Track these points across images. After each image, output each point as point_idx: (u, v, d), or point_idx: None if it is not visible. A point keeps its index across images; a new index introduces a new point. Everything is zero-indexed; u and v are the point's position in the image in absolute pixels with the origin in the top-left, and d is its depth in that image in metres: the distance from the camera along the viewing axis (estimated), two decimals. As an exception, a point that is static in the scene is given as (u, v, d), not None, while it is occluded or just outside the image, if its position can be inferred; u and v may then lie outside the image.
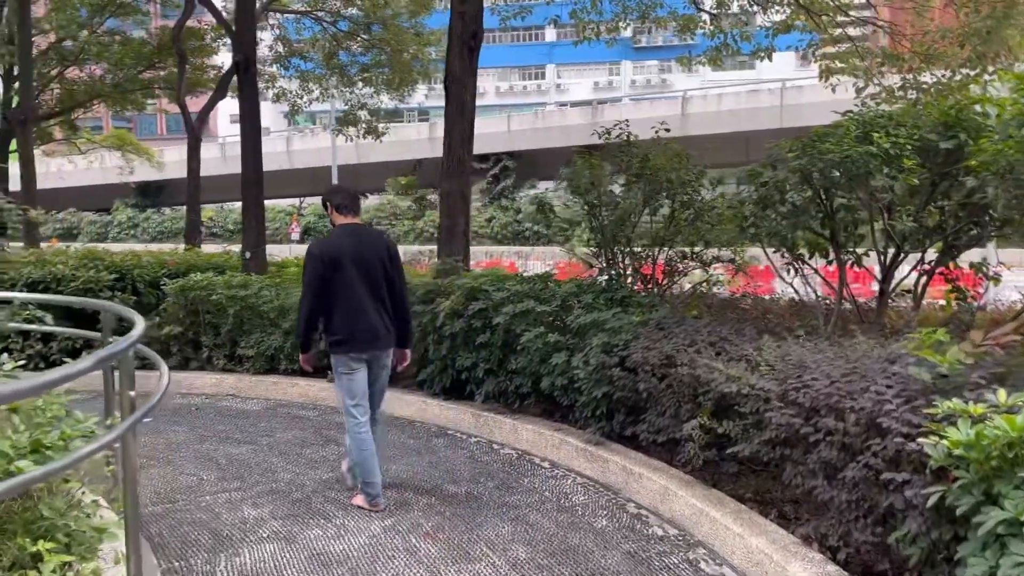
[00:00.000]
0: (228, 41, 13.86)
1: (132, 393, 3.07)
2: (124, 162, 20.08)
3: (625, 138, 6.54)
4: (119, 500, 3.83)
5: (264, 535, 4.31)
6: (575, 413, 5.65)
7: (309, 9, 14.95)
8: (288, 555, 4.06)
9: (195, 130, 13.80)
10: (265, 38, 16.17)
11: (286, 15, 15.46)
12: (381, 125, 15.98)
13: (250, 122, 8.95)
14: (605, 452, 5.21)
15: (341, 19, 15.13)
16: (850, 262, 5.50)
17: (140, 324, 3.63)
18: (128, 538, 3.12)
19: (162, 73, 16.24)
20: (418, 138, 39.77)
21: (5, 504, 2.96)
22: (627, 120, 6.67)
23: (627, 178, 6.30)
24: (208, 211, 44.31)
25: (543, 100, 61.55)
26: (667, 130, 6.44)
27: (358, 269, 4.66)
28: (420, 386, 6.94)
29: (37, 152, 18.84)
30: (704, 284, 6.72)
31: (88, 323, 6.69)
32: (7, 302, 6.69)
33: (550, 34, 63.42)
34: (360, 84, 15.92)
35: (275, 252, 35.94)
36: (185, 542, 4.23)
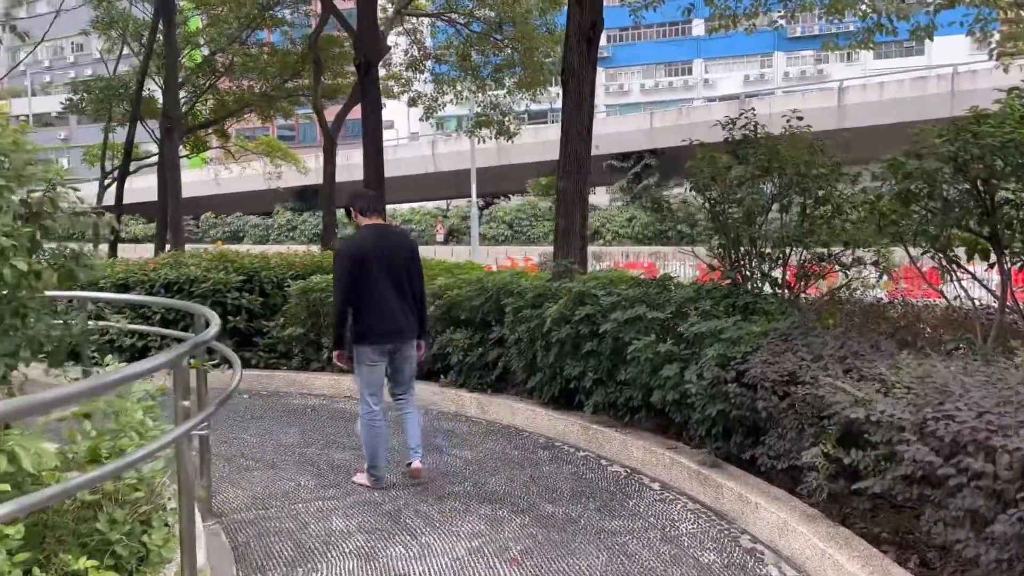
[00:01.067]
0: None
1: (186, 403, 2.93)
2: (274, 168, 21.05)
3: (752, 129, 5.95)
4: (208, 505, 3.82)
5: (346, 550, 4.14)
6: (690, 431, 5.18)
7: (442, 11, 15.05)
8: (366, 575, 3.86)
9: (331, 135, 14.16)
10: (401, 43, 16.47)
11: (420, 18, 15.63)
12: (513, 126, 15.84)
13: (371, 124, 8.99)
14: (720, 476, 4.70)
15: (474, 20, 15.13)
16: (1018, 265, 4.70)
17: (212, 327, 3.54)
18: (183, 556, 3.00)
19: (307, 81, 16.87)
20: (555, 138, 39.55)
21: (60, 515, 2.90)
22: (752, 109, 6.06)
23: (753, 172, 5.72)
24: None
25: (689, 96, 59.85)
26: (799, 119, 5.79)
27: (384, 267, 4.95)
28: (530, 394, 6.64)
29: (211, 161, 20.14)
30: (844, 288, 6.01)
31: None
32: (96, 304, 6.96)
33: (697, 28, 61.75)
34: (492, 85, 15.86)
35: (422, 252, 36.99)
36: (268, 553, 4.13)
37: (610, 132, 40.60)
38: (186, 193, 43.50)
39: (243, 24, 15.05)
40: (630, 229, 37.19)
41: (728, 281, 5.85)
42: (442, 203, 47.72)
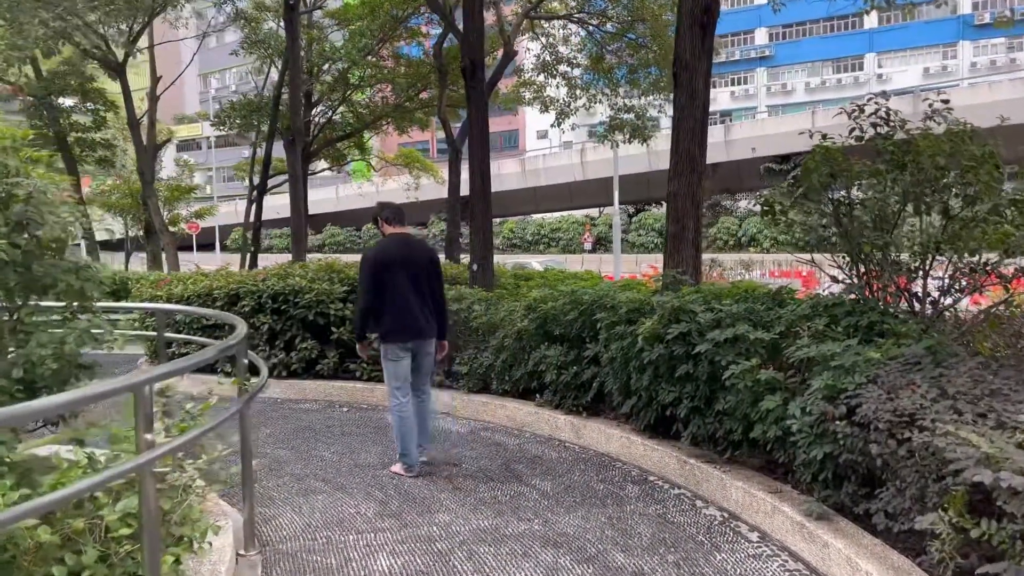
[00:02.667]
0: (499, 54, 13.95)
1: (148, 436, 2.59)
2: (413, 179, 21.33)
3: (883, 118, 5.04)
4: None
5: (379, 595, 3.73)
6: (796, 473, 4.38)
7: (572, 12, 14.57)
8: (388, 627, 3.42)
9: (456, 146, 14.02)
10: (533, 47, 16.13)
11: (551, 22, 15.23)
12: (648, 129, 15.06)
13: (478, 129, 8.65)
14: (827, 531, 3.90)
15: (607, 20, 14.55)
16: None
17: (217, 344, 3.24)
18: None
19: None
20: (712, 141, 37.92)
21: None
22: (882, 96, 5.13)
23: (883, 168, 4.82)
24: (509, 223, 46.49)
25: (860, 93, 55.78)
26: (950, 109, 4.82)
27: (406, 272, 5.43)
28: (627, 418, 6.00)
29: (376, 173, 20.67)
30: (1004, 306, 4.96)
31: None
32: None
33: (870, 20, 57.63)
34: (627, 87, 15.19)
35: (568, 261, 36.53)
36: (297, 592, 3.79)
37: (768, 133, 38.54)
38: (345, 206, 45.57)
39: (377, 36, 15.26)
40: (789, 235, 35.06)
41: (853, 296, 4.97)
42: (593, 211, 47.16)
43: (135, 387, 2.54)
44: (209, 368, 8.81)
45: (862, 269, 5.15)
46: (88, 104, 16.35)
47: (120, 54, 15.46)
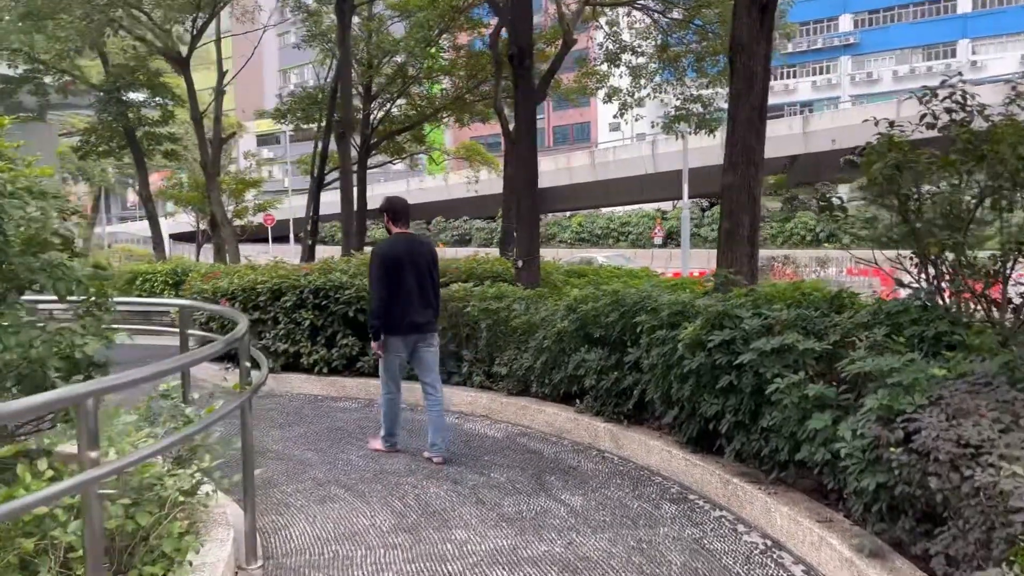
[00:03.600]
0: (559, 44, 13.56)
1: (92, 454, 2.35)
2: (473, 172, 21.08)
3: (959, 102, 4.48)
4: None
5: (376, 621, 3.45)
6: (848, 500, 3.92)
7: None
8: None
9: (510, 137, 13.67)
10: (597, 36, 15.65)
11: (616, 9, 14.73)
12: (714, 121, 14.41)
13: (524, 117, 8.28)
14: (879, 571, 3.43)
15: (672, 7, 13.97)
16: None
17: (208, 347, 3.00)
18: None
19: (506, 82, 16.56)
20: (790, 133, 36.66)
21: None
22: (957, 78, 4.56)
23: (957, 158, 4.28)
24: (578, 216, 45.97)
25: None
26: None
27: (411, 269, 5.68)
28: (670, 429, 5.59)
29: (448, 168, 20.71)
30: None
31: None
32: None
33: (963, 4, 54.74)
34: (693, 75, 14.57)
35: (636, 256, 35.80)
36: (288, 614, 3.54)
37: (851, 124, 36.90)
38: (415, 199, 45.79)
39: (438, 26, 15.04)
40: (871, 231, 33.51)
41: (920, 302, 4.45)
42: (666, 204, 46.20)
43: (76, 399, 2.31)
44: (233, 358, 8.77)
45: (932, 272, 4.60)
46: (156, 99, 16.66)
47: (184, 49, 15.74)
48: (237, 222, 19.34)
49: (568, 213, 48.83)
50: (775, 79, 58.35)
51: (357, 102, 17.28)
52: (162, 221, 35.49)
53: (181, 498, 3.33)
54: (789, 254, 28.05)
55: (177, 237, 39.47)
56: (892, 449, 3.38)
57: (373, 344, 5.85)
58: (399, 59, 16.02)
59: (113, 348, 4.64)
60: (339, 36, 12.40)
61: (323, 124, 16.11)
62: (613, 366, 6.01)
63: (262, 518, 4.69)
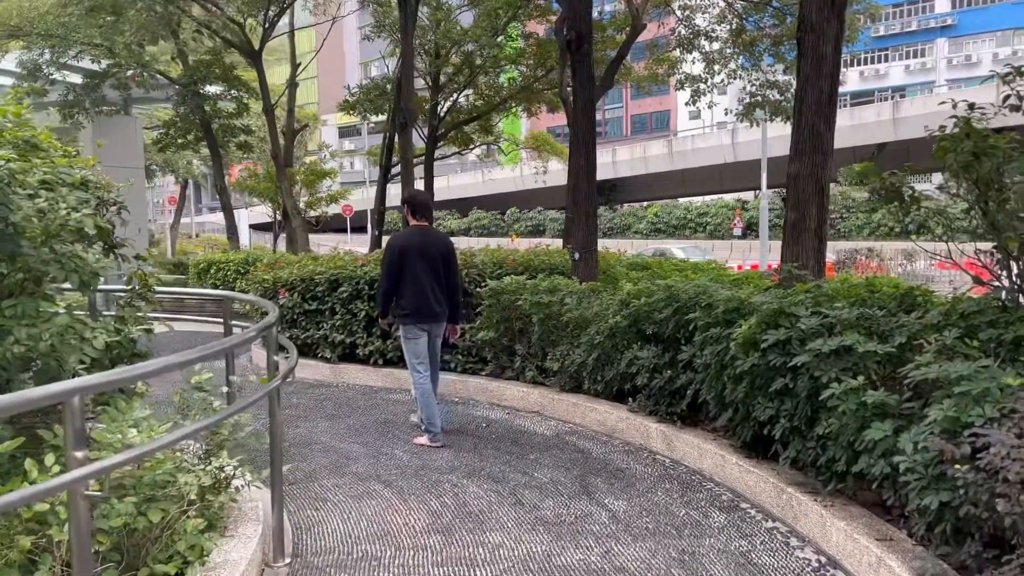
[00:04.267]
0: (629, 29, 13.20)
1: (79, 453, 2.27)
2: (541, 163, 20.82)
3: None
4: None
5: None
6: (909, 518, 3.59)
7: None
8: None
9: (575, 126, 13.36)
10: (669, 21, 15.19)
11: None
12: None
13: (582, 107, 8.02)
14: (941, 600, 3.11)
15: (747, -12, 13.42)
16: None
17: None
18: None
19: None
20: (878, 119, 35.15)
21: None
22: None
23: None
24: (654, 207, 45.19)
25: (1062, 62, 49.72)
26: None
27: (423, 260, 5.98)
28: (725, 431, 5.30)
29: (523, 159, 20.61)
30: None
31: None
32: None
33: (1075, -20, 51.22)
34: (771, 61, 13.97)
35: (715, 247, 34.94)
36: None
37: (947, 109, 35.09)
38: (491, 190, 45.87)
39: (507, 15, 14.85)
40: (967, 222, 31.76)
41: (997, 302, 4.04)
42: (747, 194, 44.91)
43: (61, 396, 2.24)
44: (310, 352, 8.82)
45: (1015, 269, 4.18)
46: (232, 92, 17.03)
47: (256, 42, 16.06)
48: (312, 213, 19.62)
49: (644, 203, 48.07)
50: (863, 63, 56.02)
51: (424, 93, 17.32)
52: (243, 212, 36.60)
53: (196, 494, 3.26)
54: (874, 246, 26.78)
55: (257, 227, 40.59)
56: (957, 466, 3.05)
57: (382, 321, 6.38)
58: (468, 48, 15.90)
59: (151, 339, 4.66)
60: (402, 24, 12.36)
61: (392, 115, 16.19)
62: (666, 364, 5.74)
63: (298, 513, 4.64)
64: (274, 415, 3.91)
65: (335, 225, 43.98)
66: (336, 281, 8.33)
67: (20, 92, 14.88)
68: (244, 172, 22.65)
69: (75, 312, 3.15)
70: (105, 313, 4.61)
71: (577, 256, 8.04)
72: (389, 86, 16.18)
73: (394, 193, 21.05)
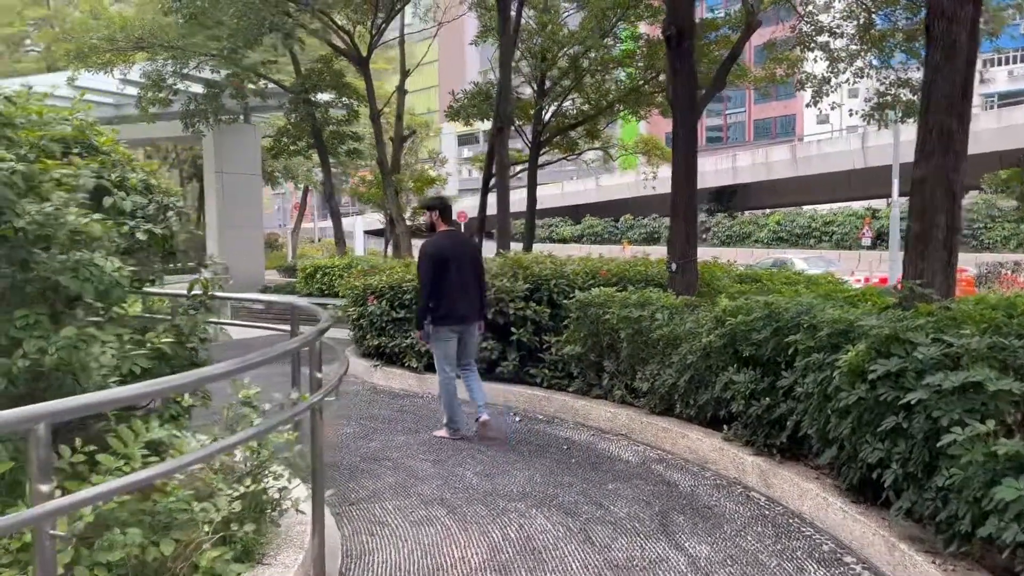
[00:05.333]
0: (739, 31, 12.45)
1: (44, 487, 2.04)
2: (651, 169, 20.11)
3: None
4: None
5: None
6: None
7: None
8: None
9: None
10: (787, 18, 14.27)
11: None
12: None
13: (683, 109, 7.45)
14: None
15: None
16: None
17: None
18: None
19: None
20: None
21: None
22: None
23: None
24: (776, 215, 43.29)
25: None
26: None
27: (456, 264, 6.19)
28: (830, 470, 4.67)
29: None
30: None
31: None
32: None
33: None
34: (901, 56, 12.86)
35: (841, 258, 33.02)
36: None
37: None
38: (605, 196, 45.26)
39: (616, 15, 14.37)
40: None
41: None
42: (879, 202, 42.29)
43: (21, 422, 2.00)
44: (398, 361, 8.65)
45: None
46: (343, 99, 17.32)
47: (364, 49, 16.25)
48: (421, 219, 19.69)
49: (766, 211, 46.16)
50: (1013, 62, 51.80)
51: (529, 97, 17.05)
52: (358, 218, 37.55)
53: (219, 522, 3.02)
54: (1022, 260, 24.51)
55: (371, 233, 41.53)
56: (1115, 546, 2.41)
57: (417, 334, 6.52)
58: (575, 50, 15.49)
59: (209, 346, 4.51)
60: (500, 27, 12.11)
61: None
62: (765, 390, 5.14)
63: (353, 538, 4.38)
64: (316, 435, 3.64)
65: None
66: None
67: (146, 102, 15.65)
68: (357, 179, 23.09)
69: (90, 322, 2.98)
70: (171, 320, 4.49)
71: (674, 267, 7.49)
72: (494, 91, 15.99)
73: (514, 199, 20.84)
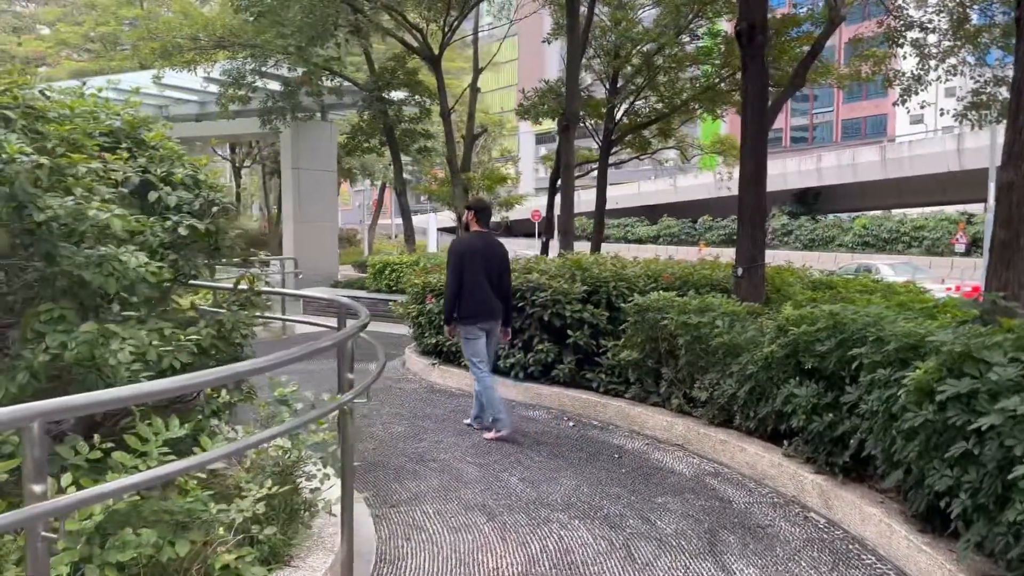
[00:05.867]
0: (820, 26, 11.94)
1: (37, 487, 2.00)
2: (726, 168, 19.50)
3: None
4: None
5: None
6: None
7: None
8: None
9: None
10: (874, 12, 13.60)
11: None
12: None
13: (753, 107, 7.11)
14: None
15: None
16: None
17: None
18: None
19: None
20: None
21: None
22: None
23: None
24: (862, 219, 41.67)
25: None
26: None
27: (483, 263, 6.31)
28: (896, 494, 4.36)
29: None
30: None
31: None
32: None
33: None
34: (999, 53, 12.10)
35: (932, 264, 31.53)
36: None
37: None
38: (683, 197, 44.32)
39: (692, 11, 13.97)
40: None
41: None
42: (977, 206, 40.21)
43: (14, 421, 1.97)
44: (456, 361, 8.58)
45: None
46: (415, 97, 17.40)
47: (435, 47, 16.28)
48: (464, 218, 19.64)
49: (852, 214, 44.47)
50: None
51: (601, 95, 16.76)
52: (432, 216, 37.83)
53: (239, 523, 2.97)
54: None
55: (444, 230, 41.81)
56: None
57: (446, 329, 6.60)
58: (649, 47, 15.12)
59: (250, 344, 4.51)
60: (568, 24, 11.90)
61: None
62: (828, 405, 4.84)
63: (389, 541, 4.31)
64: (345, 436, 3.57)
65: (526, 230, 44.46)
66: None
67: (226, 99, 16.05)
68: (430, 177, 23.21)
69: (124, 318, 2.96)
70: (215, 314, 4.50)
71: (740, 272, 7.18)
72: (562, 90, 15.80)
73: (585, 199, 20.35)
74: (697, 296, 6.50)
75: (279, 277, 13.09)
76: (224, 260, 4.36)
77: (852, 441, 4.61)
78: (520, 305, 7.59)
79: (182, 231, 3.88)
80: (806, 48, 13.43)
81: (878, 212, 43.30)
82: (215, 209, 4.20)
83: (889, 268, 26.94)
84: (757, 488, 5.25)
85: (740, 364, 5.67)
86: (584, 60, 15.24)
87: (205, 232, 4.11)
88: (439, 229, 37.94)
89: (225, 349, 4.27)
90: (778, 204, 45.89)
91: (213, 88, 16.69)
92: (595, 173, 17.92)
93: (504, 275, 6.50)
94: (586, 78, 16.90)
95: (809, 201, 45.49)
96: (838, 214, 46.24)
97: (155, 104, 19.80)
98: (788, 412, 5.14)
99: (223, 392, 3.83)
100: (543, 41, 17.37)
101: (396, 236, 49.11)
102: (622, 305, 7.03)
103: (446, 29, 16.54)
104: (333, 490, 4.26)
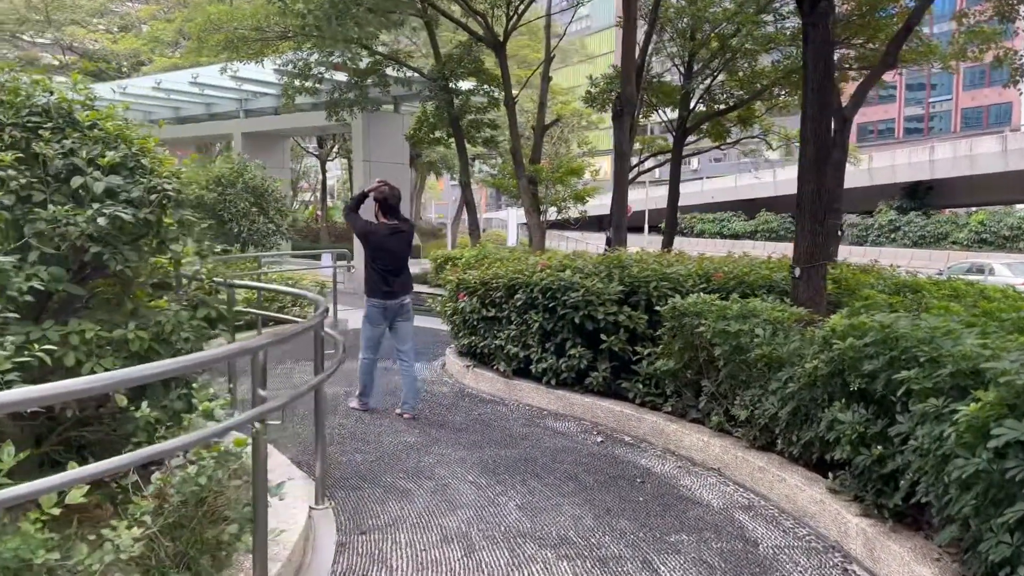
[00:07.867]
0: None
1: None
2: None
3: None
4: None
5: None
6: None
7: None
8: None
9: (844, 116, 11.08)
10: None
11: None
12: None
13: (816, 81, 6.20)
14: None
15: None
16: None
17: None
18: None
19: (851, 53, 13.66)
20: None
21: None
22: None
23: None
24: (979, 214, 38.67)
25: None
26: None
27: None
28: (953, 549, 3.51)
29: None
30: None
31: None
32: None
33: None
34: None
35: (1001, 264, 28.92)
36: None
37: None
38: (783, 191, 42.23)
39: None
40: None
41: None
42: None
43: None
44: (487, 363, 8.00)
45: None
46: (483, 87, 16.88)
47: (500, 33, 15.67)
48: (553, 210, 18.94)
49: (969, 210, 41.38)
50: None
51: (675, 80, 15.80)
52: (511, 209, 37.32)
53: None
54: None
55: (524, 225, 41.22)
56: None
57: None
58: (727, 27, 14.07)
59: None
60: (624, 4, 11.07)
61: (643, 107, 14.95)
62: (876, 435, 4.01)
63: (342, 576, 3.77)
64: (256, 462, 3.04)
65: (600, 225, 43.31)
66: (513, 287, 7.41)
67: (292, 91, 15.95)
68: (491, 169, 22.65)
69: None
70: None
71: (797, 273, 6.30)
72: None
73: (662, 194, 19.28)
74: (738, 301, 5.67)
75: (330, 270, 12.81)
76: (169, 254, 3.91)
77: (903, 481, 3.78)
78: (551, 305, 6.94)
79: (101, 222, 3.45)
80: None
81: (998, 207, 40.12)
82: (154, 196, 3.75)
83: (1006, 268, 24.68)
84: (793, 528, 4.45)
85: (780, 380, 4.87)
86: (656, 43, 14.36)
87: (140, 222, 3.68)
88: (519, 223, 37.41)
89: (165, 354, 3.83)
90: (886, 198, 43.20)
91: (276, 79, 16.66)
92: (696, 166, 17.00)
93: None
94: (655, 64, 15.98)
95: (920, 195, 42.62)
96: (953, 209, 43.17)
97: (235, 98, 20.03)
98: (832, 440, 4.33)
99: (143, 407, 3.37)
100: (615, 26, 16.52)
101: (484, 230, 48.95)
102: (660, 308, 6.27)
103: (511, 14, 15.94)
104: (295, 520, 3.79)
